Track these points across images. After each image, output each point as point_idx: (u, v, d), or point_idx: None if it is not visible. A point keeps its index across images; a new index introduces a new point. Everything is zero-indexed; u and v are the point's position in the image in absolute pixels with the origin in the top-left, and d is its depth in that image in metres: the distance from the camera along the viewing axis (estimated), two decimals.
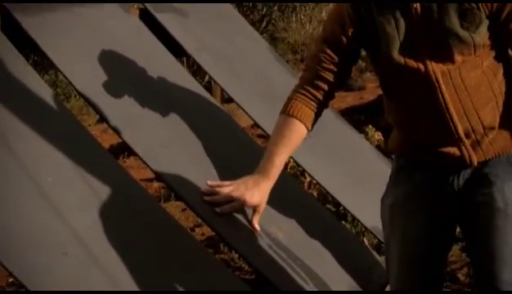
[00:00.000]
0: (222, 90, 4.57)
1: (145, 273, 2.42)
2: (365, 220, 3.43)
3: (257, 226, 2.83)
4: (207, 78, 7.75)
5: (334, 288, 2.91)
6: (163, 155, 2.95)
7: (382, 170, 3.72)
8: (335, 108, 5.51)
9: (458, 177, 2.41)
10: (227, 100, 6.67)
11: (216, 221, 2.89)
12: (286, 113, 2.60)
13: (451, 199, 2.44)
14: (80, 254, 2.32)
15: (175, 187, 2.92)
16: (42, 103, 2.75)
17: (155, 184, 5.97)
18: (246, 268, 4.28)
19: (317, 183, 3.69)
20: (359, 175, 3.67)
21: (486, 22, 2.30)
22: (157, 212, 2.82)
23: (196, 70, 7.94)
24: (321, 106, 2.62)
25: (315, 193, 4.57)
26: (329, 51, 2.50)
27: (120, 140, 3.19)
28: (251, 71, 3.78)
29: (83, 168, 2.59)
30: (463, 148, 2.36)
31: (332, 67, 2.51)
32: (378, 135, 6.15)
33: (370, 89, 9.20)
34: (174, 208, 5.23)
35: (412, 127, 2.47)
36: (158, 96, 3.18)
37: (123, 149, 6.54)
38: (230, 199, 2.74)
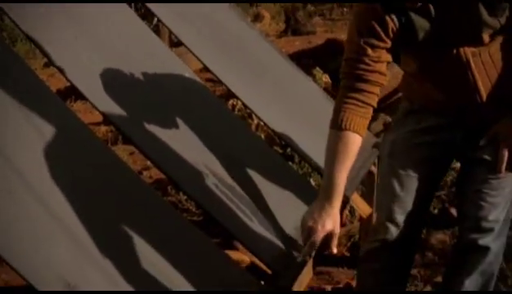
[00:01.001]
0: (171, 33, 4.54)
1: (93, 216, 2.43)
2: (312, 161, 3.48)
3: (334, 250, 2.65)
4: (155, 22, 7.69)
5: (280, 227, 2.96)
6: (111, 98, 2.93)
7: (329, 112, 3.76)
8: (284, 52, 5.51)
9: (463, 129, 2.60)
10: (176, 43, 6.64)
11: (164, 164, 2.91)
12: (338, 128, 2.50)
13: (451, 147, 2.64)
14: (25, 193, 2.31)
15: (123, 130, 2.92)
16: None
17: (103, 128, 5.95)
18: (194, 210, 4.32)
19: (265, 125, 3.71)
20: (306, 118, 3.70)
21: (508, 6, 2.40)
22: (105, 155, 2.82)
23: (144, 13, 7.85)
24: (372, 109, 2.53)
25: (262, 136, 4.60)
26: (370, 50, 2.41)
27: (68, 85, 3.17)
28: (200, 15, 3.76)
29: (30, 111, 2.57)
30: (482, 110, 2.52)
31: (375, 66, 2.44)
32: (325, 78, 6.19)
33: (318, 33, 9.23)
34: (122, 152, 5.22)
35: (436, 91, 2.58)
36: (105, 40, 3.15)
37: (71, 93, 6.49)
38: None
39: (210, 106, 3.47)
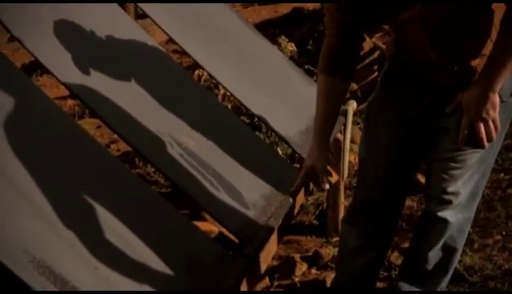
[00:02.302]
0: (136, 5, 4.52)
1: (59, 190, 2.41)
2: (278, 130, 3.48)
3: (323, 186, 2.78)
4: None
5: (247, 196, 2.97)
6: (76, 72, 2.92)
7: (295, 80, 3.78)
8: (250, 21, 5.50)
9: (430, 96, 2.55)
10: (141, 16, 6.60)
11: (130, 136, 2.91)
12: (320, 71, 2.67)
13: (420, 112, 2.59)
14: None
15: (88, 103, 2.91)
16: None
17: (69, 102, 5.91)
18: (162, 182, 4.33)
19: (231, 95, 3.72)
20: (273, 87, 3.70)
21: None
22: (72, 129, 2.81)
23: None
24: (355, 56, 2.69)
25: (229, 106, 4.60)
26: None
27: (33, 59, 3.15)
28: None
29: None
30: (449, 72, 2.47)
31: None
32: (291, 46, 6.18)
33: (284, 3, 9.19)
34: (89, 125, 5.21)
35: (402, 52, 2.58)
36: (69, 12, 3.13)
37: (36, 68, 6.43)
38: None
39: (176, 77, 3.46)
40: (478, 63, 2.43)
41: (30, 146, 2.48)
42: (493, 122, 2.38)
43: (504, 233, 3.48)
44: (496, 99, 2.38)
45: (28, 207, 2.24)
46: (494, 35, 2.35)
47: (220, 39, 3.77)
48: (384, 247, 2.93)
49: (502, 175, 3.96)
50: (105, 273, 2.22)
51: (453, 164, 2.56)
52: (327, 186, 2.72)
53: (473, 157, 2.56)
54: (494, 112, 2.38)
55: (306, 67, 4.38)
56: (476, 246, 3.36)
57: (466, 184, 2.60)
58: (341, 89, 2.65)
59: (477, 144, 2.42)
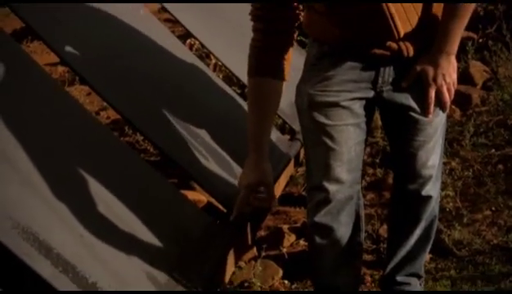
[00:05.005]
0: None
1: (47, 157, 2.40)
2: None
3: (272, 205, 2.64)
4: None
5: (235, 166, 2.97)
6: (67, 38, 2.89)
7: (294, 54, 3.76)
8: None
9: (384, 72, 2.40)
10: None
11: (121, 104, 2.89)
12: (250, 74, 2.49)
13: (373, 88, 2.42)
14: None
15: (78, 70, 2.89)
16: None
17: (60, 69, 5.87)
18: (151, 150, 4.31)
19: (223, 65, 3.70)
20: None
21: None
22: (61, 96, 2.79)
23: None
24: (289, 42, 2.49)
25: (220, 76, 4.57)
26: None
27: (23, 25, 3.12)
28: None
29: None
30: (401, 43, 2.35)
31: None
32: None
33: None
34: (79, 92, 5.17)
35: (348, 27, 2.35)
36: None
37: (27, 34, 6.38)
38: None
39: (167, 46, 3.44)
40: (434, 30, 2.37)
41: (18, 113, 2.46)
42: (454, 84, 2.38)
43: (493, 208, 3.48)
44: (455, 61, 2.37)
45: (13, 173, 2.22)
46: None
47: (212, 9, 3.76)
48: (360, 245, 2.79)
49: (493, 150, 3.95)
50: (90, 242, 2.21)
51: (424, 138, 2.46)
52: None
53: (437, 124, 2.48)
54: (454, 74, 2.38)
55: (298, 38, 4.34)
56: (465, 220, 3.34)
57: (437, 152, 2.53)
58: (279, 88, 2.50)
59: (441, 109, 2.42)
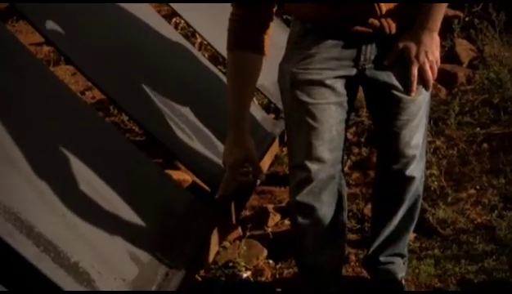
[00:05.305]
0: None
1: (32, 138, 2.38)
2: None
3: (258, 179, 2.70)
4: None
5: (220, 145, 2.96)
6: (52, 18, 2.87)
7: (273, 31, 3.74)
8: None
9: (366, 49, 2.39)
10: None
11: (106, 84, 2.88)
12: (229, 48, 2.48)
13: (355, 66, 2.41)
14: None
15: (63, 50, 2.87)
16: None
17: (45, 49, 5.83)
18: (137, 130, 4.30)
19: (208, 44, 3.68)
20: None
21: None
22: (46, 76, 2.77)
23: None
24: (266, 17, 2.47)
25: (206, 55, 4.56)
26: None
27: (8, 5, 3.10)
28: None
29: None
30: (383, 20, 2.34)
31: None
32: None
33: None
34: (64, 72, 5.15)
35: (330, 5, 2.33)
36: None
37: (12, 14, 6.33)
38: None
39: (153, 25, 3.42)
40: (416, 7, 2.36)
41: (1, 92, 2.44)
42: (436, 62, 2.37)
43: (478, 187, 3.49)
44: (438, 38, 2.36)
45: None
46: None
47: None
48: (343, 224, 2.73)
49: (478, 129, 3.96)
50: (72, 221, 2.20)
51: (408, 117, 2.45)
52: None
53: (421, 102, 2.47)
54: (437, 51, 2.37)
55: (284, 17, 4.33)
56: (449, 199, 3.36)
57: (421, 131, 2.52)
58: (259, 63, 2.49)
59: (424, 86, 2.41)
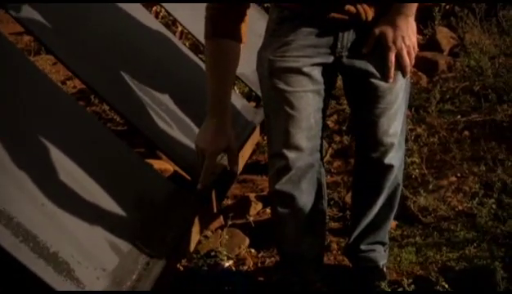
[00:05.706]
0: None
1: (12, 128, 2.37)
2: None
3: (236, 169, 2.74)
4: None
5: (198, 128, 2.95)
6: (31, 7, 2.85)
7: (256, 18, 3.73)
8: None
9: (343, 36, 2.38)
10: None
11: (87, 74, 2.86)
12: (208, 36, 2.50)
13: (333, 53, 2.40)
14: None
15: (43, 40, 2.85)
16: None
17: (26, 38, 5.80)
18: (118, 119, 4.29)
19: (189, 33, 3.67)
20: None
21: None
22: (27, 66, 2.75)
23: None
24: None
25: (187, 44, 4.54)
26: None
27: None
28: None
29: None
30: (359, 6, 2.33)
31: None
32: None
33: None
34: (45, 62, 5.13)
35: None
36: None
37: None
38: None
39: (133, 13, 3.40)
40: None
41: None
42: (414, 47, 2.37)
43: (459, 174, 3.50)
44: (414, 23, 2.36)
45: None
46: None
47: None
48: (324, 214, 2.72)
49: (459, 117, 3.97)
50: (52, 210, 2.18)
51: (386, 105, 2.44)
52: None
53: (398, 90, 2.45)
54: (414, 37, 2.37)
55: (265, 5, 4.31)
56: (431, 187, 3.36)
57: (399, 119, 2.50)
58: (238, 50, 2.52)
59: (402, 73, 2.40)
